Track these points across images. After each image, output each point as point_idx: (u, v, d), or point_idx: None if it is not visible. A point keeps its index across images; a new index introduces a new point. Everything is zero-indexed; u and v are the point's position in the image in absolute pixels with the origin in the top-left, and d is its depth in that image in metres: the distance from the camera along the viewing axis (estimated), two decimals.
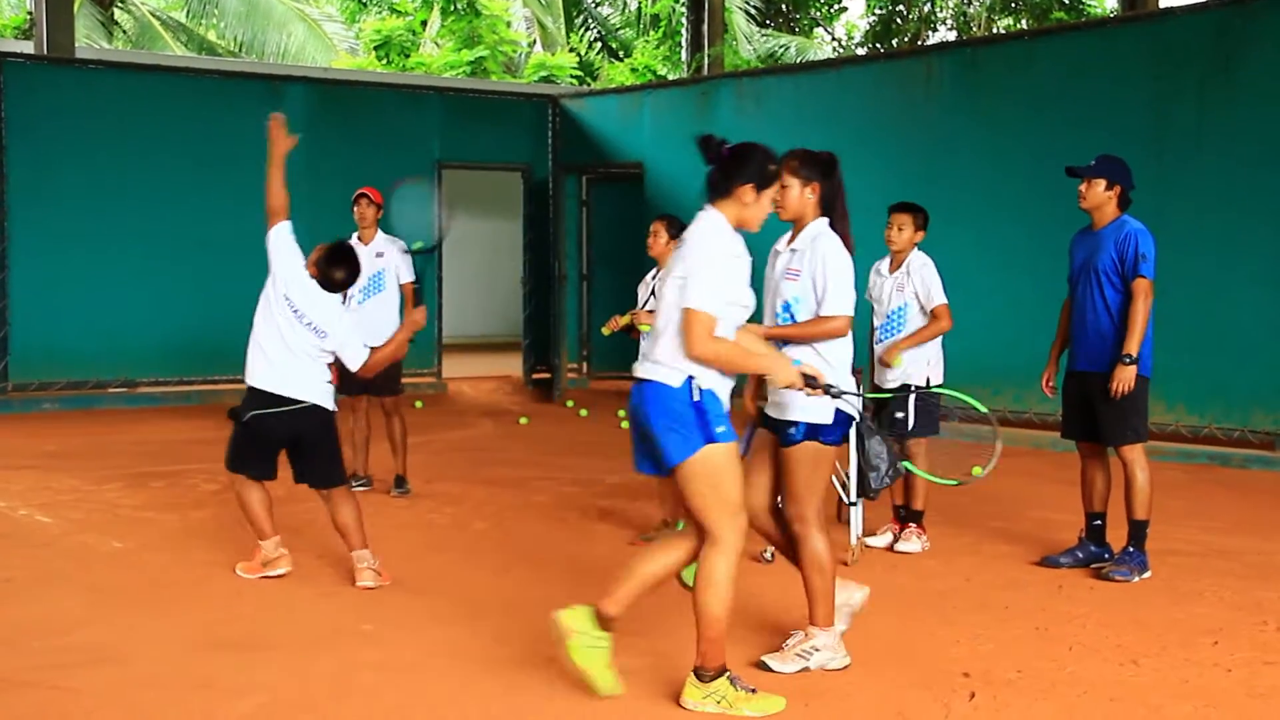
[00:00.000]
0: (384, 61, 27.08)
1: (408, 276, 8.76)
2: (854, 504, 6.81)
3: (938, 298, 7.07)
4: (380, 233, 8.83)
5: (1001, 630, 5.56)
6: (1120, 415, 6.45)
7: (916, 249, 7.20)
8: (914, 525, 7.16)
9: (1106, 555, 6.62)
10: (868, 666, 5.08)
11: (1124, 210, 6.61)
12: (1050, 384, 6.99)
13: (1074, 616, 5.78)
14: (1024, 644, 5.38)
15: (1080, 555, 6.70)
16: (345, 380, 8.67)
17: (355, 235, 8.77)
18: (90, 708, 4.59)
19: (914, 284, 7.11)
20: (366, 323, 8.66)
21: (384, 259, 8.73)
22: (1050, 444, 10.97)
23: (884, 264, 7.30)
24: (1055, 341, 7.05)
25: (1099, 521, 6.73)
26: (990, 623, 5.67)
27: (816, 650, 4.99)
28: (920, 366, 7.18)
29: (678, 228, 6.81)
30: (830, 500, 6.89)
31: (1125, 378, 6.36)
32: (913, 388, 7.02)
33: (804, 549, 5.00)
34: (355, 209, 8.81)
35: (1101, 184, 6.58)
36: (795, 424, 5.00)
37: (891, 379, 7.12)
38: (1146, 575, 6.46)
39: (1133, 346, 6.37)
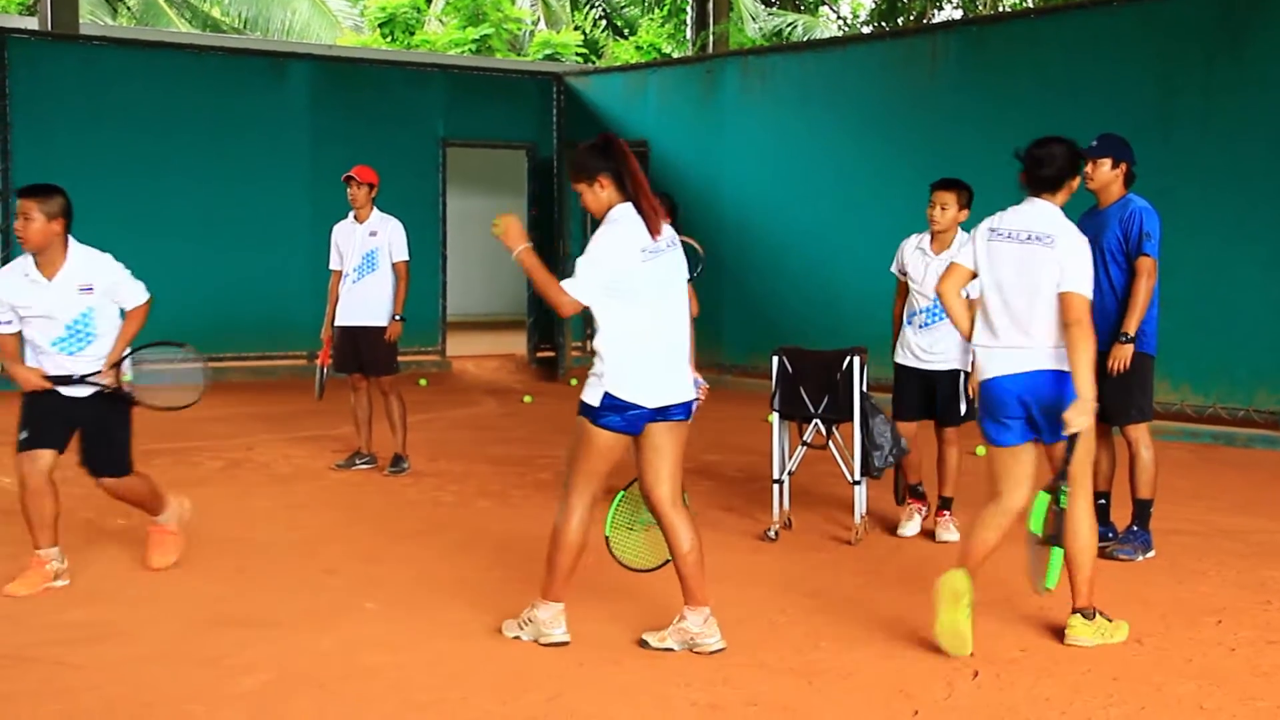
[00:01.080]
0: (388, 39, 27.02)
1: (401, 255, 8.71)
2: (857, 483, 6.80)
3: None
4: (376, 211, 8.78)
5: (1005, 609, 5.55)
6: (1124, 394, 6.36)
7: (960, 228, 6.80)
8: (948, 513, 6.97)
9: (1111, 535, 6.54)
10: (871, 645, 5.08)
11: (1129, 188, 6.56)
12: None
13: None
14: (1027, 623, 5.38)
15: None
16: (338, 358, 8.69)
17: (351, 215, 8.75)
18: (94, 683, 4.60)
19: None
20: (362, 300, 8.67)
21: (378, 238, 8.70)
22: None
23: (925, 242, 6.90)
24: None
25: (1103, 501, 6.61)
26: (994, 602, 5.66)
27: (531, 622, 5.03)
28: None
29: (669, 204, 6.78)
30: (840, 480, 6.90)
31: (1123, 356, 6.31)
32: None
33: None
34: (347, 190, 8.76)
35: (1107, 163, 6.51)
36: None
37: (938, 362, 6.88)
38: (1151, 554, 6.45)
39: (1131, 325, 6.32)
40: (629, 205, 4.91)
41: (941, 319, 6.71)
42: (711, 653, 4.88)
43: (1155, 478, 6.50)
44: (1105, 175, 6.51)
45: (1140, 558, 6.40)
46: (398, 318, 8.57)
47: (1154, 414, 6.62)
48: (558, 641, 4.96)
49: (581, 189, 4.95)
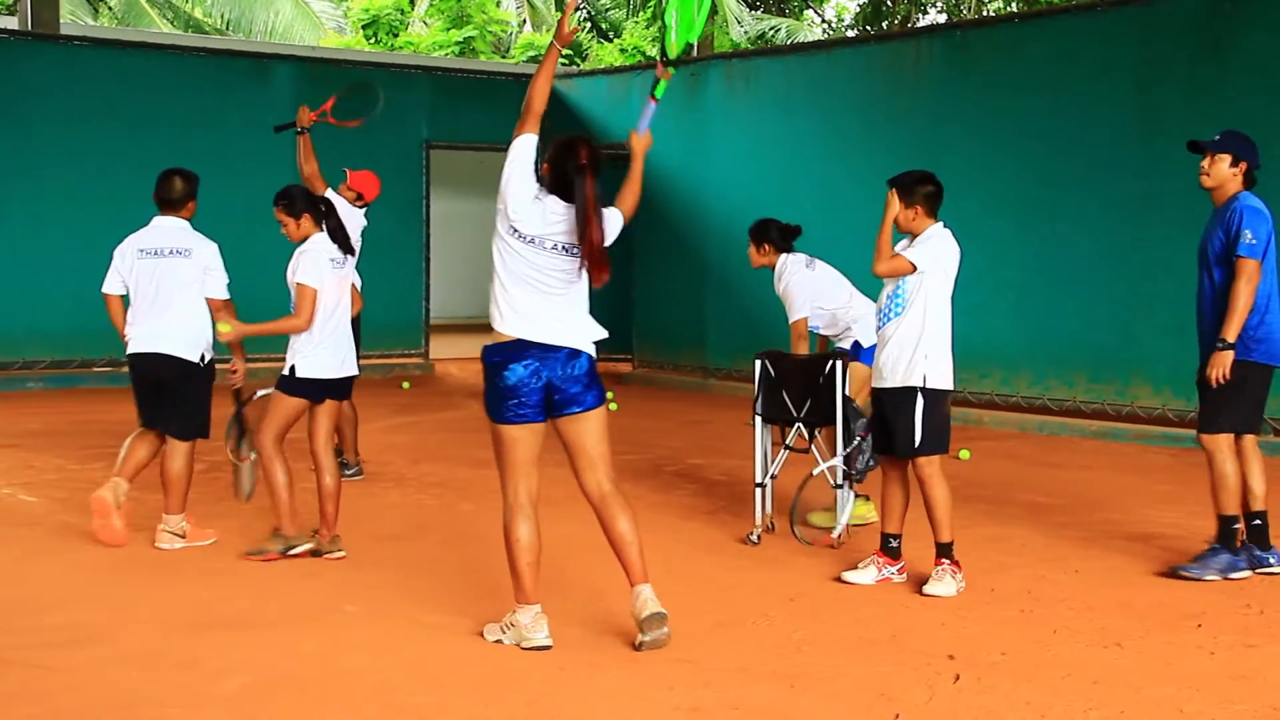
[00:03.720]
0: (372, 40, 26.97)
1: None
2: (840, 487, 6.80)
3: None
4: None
5: (986, 613, 5.57)
6: (1218, 402, 6.02)
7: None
8: (946, 560, 5.95)
9: (1273, 559, 6.10)
10: (853, 648, 5.08)
11: (1247, 189, 6.12)
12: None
13: (1058, 599, 5.79)
14: (1009, 626, 5.39)
15: (1242, 561, 6.13)
16: None
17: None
18: (73, 686, 4.58)
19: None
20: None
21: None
22: (1036, 427, 11.02)
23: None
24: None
25: (1259, 521, 6.15)
26: (975, 605, 5.68)
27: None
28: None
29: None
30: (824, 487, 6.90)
31: (1222, 363, 5.95)
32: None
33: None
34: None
35: (1226, 160, 6.08)
36: None
37: None
38: (1241, 574, 6.00)
39: (1229, 331, 5.94)
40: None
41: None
42: (648, 638, 4.90)
43: (1239, 492, 6.10)
44: (1222, 173, 6.11)
45: (1213, 577, 5.99)
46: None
47: (1233, 426, 6.11)
48: (540, 645, 4.93)
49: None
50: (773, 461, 6.99)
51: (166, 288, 6.59)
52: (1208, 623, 5.43)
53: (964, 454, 9.61)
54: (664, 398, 13.13)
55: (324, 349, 6.32)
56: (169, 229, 6.77)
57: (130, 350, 6.65)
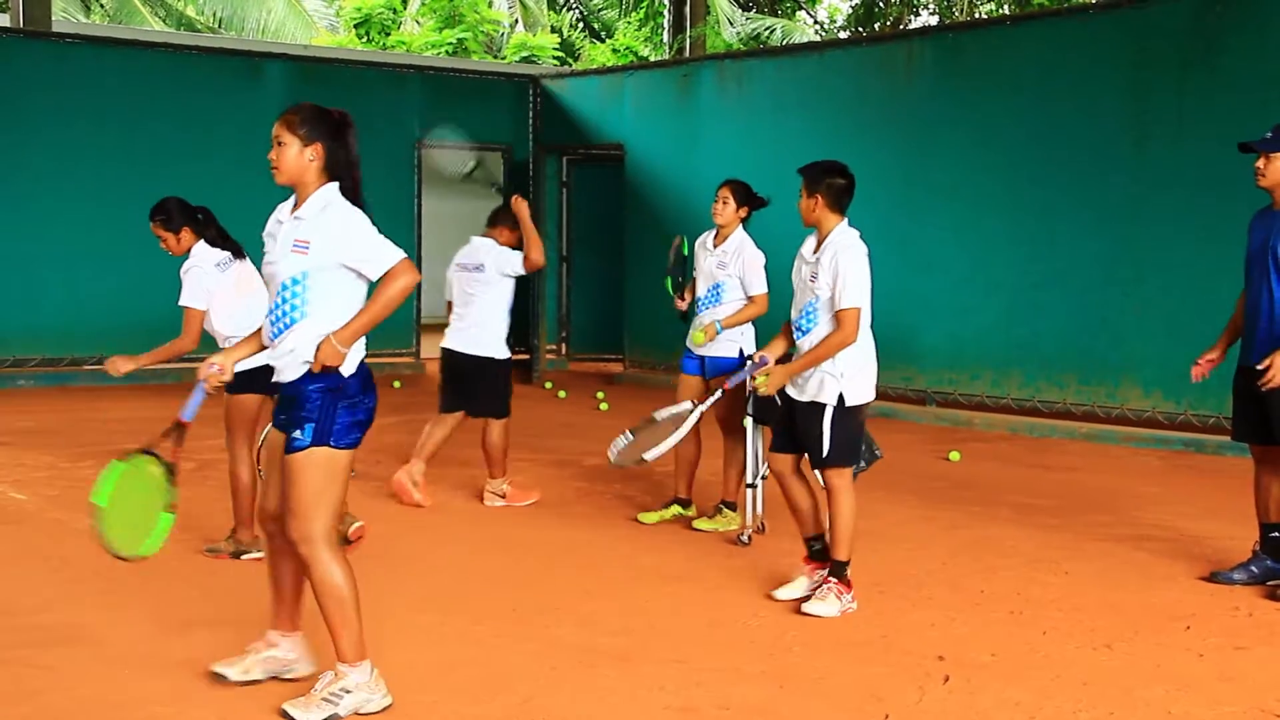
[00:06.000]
0: (364, 39, 26.95)
1: None
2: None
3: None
4: None
5: (976, 614, 5.58)
6: None
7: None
8: (834, 580, 5.65)
9: None
10: (842, 648, 5.10)
11: None
12: (1203, 371, 6.19)
13: (1048, 601, 5.81)
14: (998, 627, 5.40)
15: (1255, 570, 6.05)
16: None
17: None
18: (64, 684, 4.58)
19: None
20: None
21: None
22: (1027, 429, 11.04)
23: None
24: (1226, 329, 6.28)
25: (1276, 534, 6.06)
26: (965, 606, 5.70)
27: (347, 692, 4.29)
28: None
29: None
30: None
31: None
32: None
33: (313, 572, 4.31)
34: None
35: None
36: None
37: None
38: None
39: None
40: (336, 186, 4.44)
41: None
42: (294, 679, 4.53)
43: None
44: (1279, 172, 5.92)
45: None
46: None
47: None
48: (384, 706, 4.37)
49: (290, 141, 4.44)
50: (763, 462, 7.00)
51: None
52: (1197, 625, 5.46)
53: (954, 455, 9.63)
54: (655, 398, 13.06)
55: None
56: None
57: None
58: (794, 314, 5.80)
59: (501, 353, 7.86)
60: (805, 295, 5.71)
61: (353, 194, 4.42)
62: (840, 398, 5.59)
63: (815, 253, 5.71)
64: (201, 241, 6.39)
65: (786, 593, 5.75)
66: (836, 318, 5.58)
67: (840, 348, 5.55)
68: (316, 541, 4.25)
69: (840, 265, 5.57)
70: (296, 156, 4.41)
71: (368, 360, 4.40)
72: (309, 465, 4.25)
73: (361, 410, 4.34)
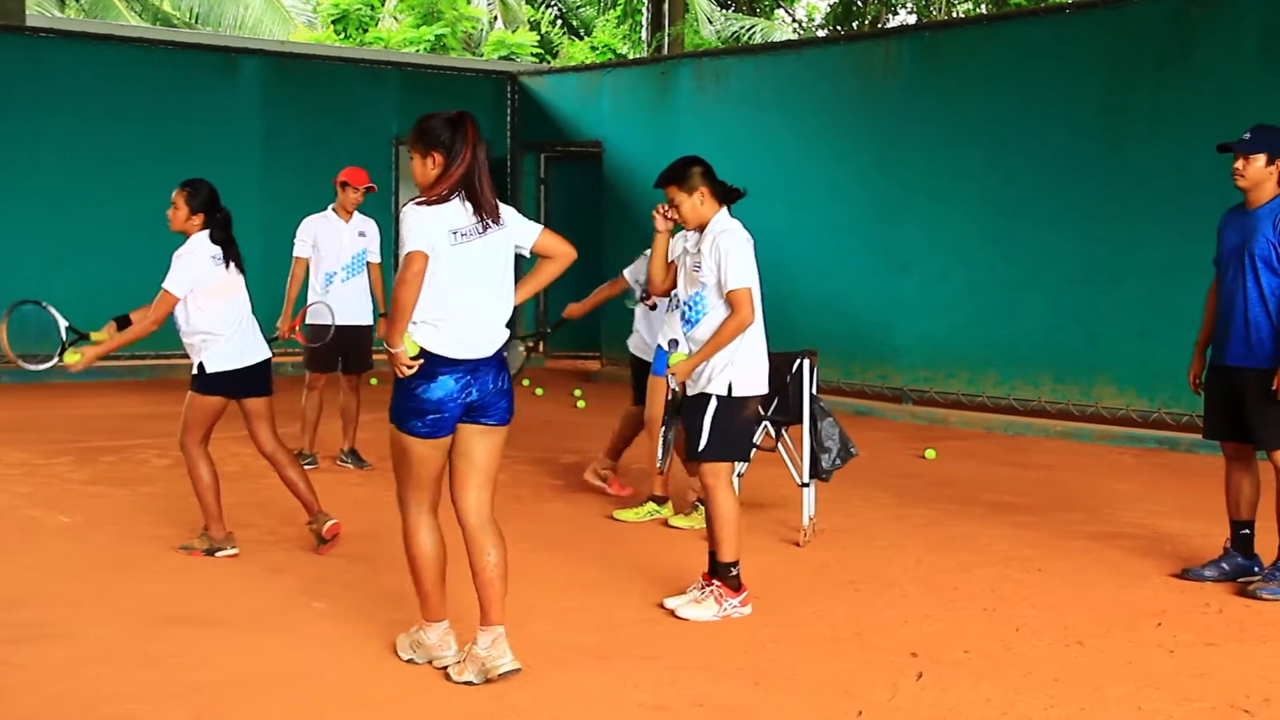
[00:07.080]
0: (342, 35, 26.88)
1: (376, 257, 8.84)
2: (806, 485, 6.83)
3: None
4: (357, 211, 8.83)
5: (949, 611, 5.61)
6: (1276, 417, 5.80)
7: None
8: (715, 580, 5.55)
9: (1256, 569, 6.01)
10: (816, 645, 5.12)
11: None
12: (1198, 381, 6.34)
13: (1021, 598, 5.84)
14: (971, 625, 5.43)
15: (1226, 567, 6.08)
16: (322, 355, 8.55)
17: (330, 209, 8.73)
18: (36, 683, 4.55)
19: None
20: (356, 299, 8.67)
21: (366, 238, 8.77)
22: (1002, 427, 11.09)
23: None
24: (1201, 333, 6.31)
25: (1246, 530, 6.08)
26: (939, 603, 5.72)
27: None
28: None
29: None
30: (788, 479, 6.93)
31: None
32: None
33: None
34: (341, 193, 8.71)
35: (1261, 159, 5.85)
36: None
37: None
38: None
39: None
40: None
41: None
42: (503, 674, 4.55)
43: None
44: (1259, 172, 5.87)
45: None
46: (382, 314, 8.59)
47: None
48: (450, 663, 4.69)
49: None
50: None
51: None
52: (1168, 622, 5.49)
53: (930, 453, 9.67)
54: (632, 396, 13.11)
55: (230, 342, 6.26)
56: None
57: None
58: (681, 304, 5.69)
59: None
60: (691, 286, 5.60)
61: None
62: (729, 387, 5.46)
63: (697, 243, 5.63)
64: (204, 232, 6.33)
65: (677, 602, 5.55)
66: (728, 300, 5.44)
67: (740, 330, 5.39)
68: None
69: (721, 248, 5.47)
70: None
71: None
72: None
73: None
